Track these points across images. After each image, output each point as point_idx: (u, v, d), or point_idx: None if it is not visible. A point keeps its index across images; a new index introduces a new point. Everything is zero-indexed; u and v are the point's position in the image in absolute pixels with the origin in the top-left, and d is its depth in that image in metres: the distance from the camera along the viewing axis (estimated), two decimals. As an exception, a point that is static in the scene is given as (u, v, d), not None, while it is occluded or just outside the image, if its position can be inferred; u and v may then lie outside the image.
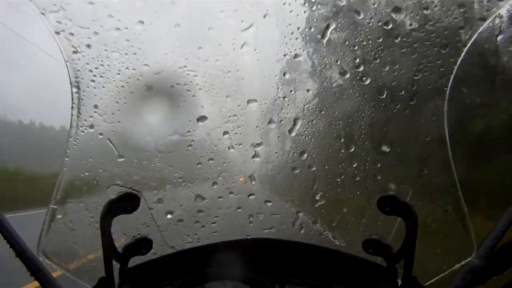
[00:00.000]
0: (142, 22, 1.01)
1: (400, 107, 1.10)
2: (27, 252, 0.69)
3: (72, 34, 0.95)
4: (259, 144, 1.22)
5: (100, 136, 1.02)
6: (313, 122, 1.22)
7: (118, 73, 1.03)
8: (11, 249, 0.69)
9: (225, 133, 1.22)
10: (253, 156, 1.23)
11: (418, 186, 0.98)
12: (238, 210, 1.25)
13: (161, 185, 1.17)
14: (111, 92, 1.03)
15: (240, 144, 1.24)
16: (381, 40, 1.09)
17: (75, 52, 0.96)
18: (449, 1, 1.00)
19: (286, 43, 1.15)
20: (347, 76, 1.16)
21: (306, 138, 1.24)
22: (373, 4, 1.10)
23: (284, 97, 1.22)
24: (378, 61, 1.10)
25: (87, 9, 0.95)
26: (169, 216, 1.13)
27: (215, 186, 1.28)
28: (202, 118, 1.17)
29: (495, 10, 0.92)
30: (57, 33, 0.93)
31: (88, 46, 0.97)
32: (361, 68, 1.12)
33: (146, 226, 0.94)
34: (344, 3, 1.09)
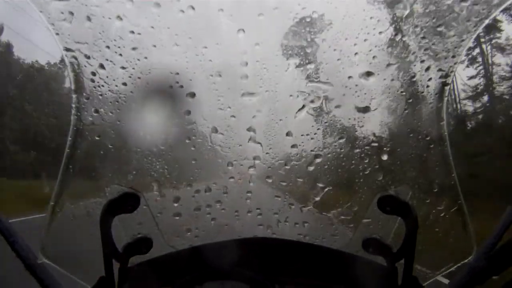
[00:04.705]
0: (143, 18, 1.00)
1: (399, 106, 1.09)
2: (27, 252, 0.69)
3: (71, 31, 0.95)
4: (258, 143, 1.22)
5: (100, 136, 1.02)
6: (315, 117, 1.22)
7: (119, 70, 1.02)
8: (11, 248, 0.69)
9: (223, 133, 1.22)
10: (254, 158, 1.23)
11: (418, 186, 0.98)
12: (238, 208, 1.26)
13: (161, 184, 1.17)
14: (111, 91, 1.03)
15: (240, 145, 1.24)
16: (380, 38, 1.09)
17: (74, 50, 0.96)
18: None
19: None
20: (348, 75, 1.16)
21: (307, 136, 1.23)
22: (373, 3, 1.09)
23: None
24: (377, 60, 1.09)
25: (87, 6, 0.95)
26: (169, 215, 1.13)
27: (214, 185, 1.28)
28: (202, 117, 1.17)
29: (496, 8, 0.92)
30: (57, 33, 0.93)
31: (88, 42, 0.97)
32: (360, 67, 1.12)
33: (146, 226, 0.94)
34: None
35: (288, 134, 1.22)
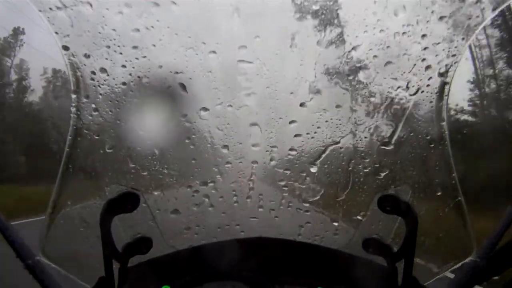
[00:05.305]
0: (143, 18, 1.00)
1: (399, 106, 1.09)
2: (27, 252, 0.69)
3: (70, 30, 0.94)
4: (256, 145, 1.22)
5: (99, 135, 1.01)
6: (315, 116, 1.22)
7: (119, 69, 1.02)
8: (11, 248, 0.69)
9: (221, 131, 1.21)
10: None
11: (418, 186, 0.98)
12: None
13: (160, 184, 1.17)
14: (110, 90, 1.02)
15: (240, 144, 1.24)
16: (380, 36, 1.09)
17: (73, 49, 0.95)
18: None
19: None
20: (347, 75, 1.15)
21: (308, 135, 1.23)
22: (374, 3, 1.09)
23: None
24: (376, 60, 1.09)
25: (87, 6, 0.95)
26: (171, 215, 1.13)
27: (212, 184, 1.27)
28: (201, 116, 1.17)
29: (497, 7, 0.92)
30: (56, 32, 0.92)
31: (87, 41, 0.96)
32: (360, 67, 1.11)
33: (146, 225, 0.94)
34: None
35: (289, 129, 1.21)
